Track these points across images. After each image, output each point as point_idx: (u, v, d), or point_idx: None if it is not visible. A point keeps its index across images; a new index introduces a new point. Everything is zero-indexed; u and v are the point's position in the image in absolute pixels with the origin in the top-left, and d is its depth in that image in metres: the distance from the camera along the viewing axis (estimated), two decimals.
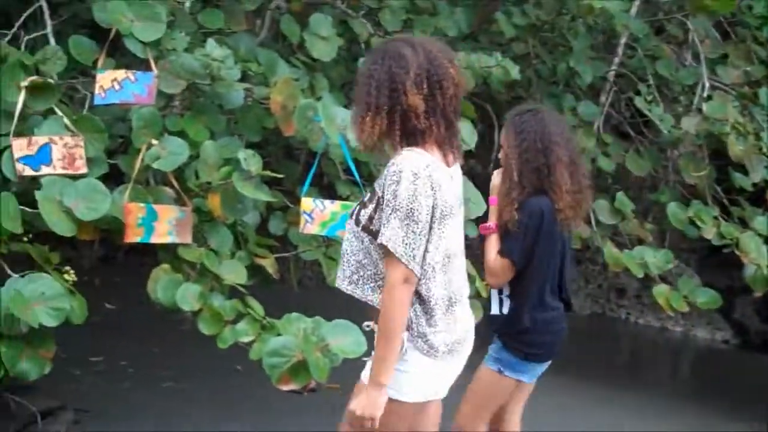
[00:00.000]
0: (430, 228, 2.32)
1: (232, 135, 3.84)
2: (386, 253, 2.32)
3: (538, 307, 3.03)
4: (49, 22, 3.92)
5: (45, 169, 3.36)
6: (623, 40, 5.64)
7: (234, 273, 3.47)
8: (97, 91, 3.55)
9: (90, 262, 5.90)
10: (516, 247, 3.00)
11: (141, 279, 3.35)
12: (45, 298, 3.06)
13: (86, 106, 3.74)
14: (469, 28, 5.04)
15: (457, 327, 2.46)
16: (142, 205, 3.40)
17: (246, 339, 3.35)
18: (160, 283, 3.39)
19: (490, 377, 3.12)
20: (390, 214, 2.29)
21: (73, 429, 3.86)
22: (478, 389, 3.15)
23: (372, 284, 2.42)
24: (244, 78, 3.72)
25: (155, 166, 3.38)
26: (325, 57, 4.06)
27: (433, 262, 2.35)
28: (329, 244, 3.86)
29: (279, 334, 3.32)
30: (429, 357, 2.39)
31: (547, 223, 2.97)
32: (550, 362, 3.18)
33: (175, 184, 3.49)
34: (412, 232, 2.27)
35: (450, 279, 2.44)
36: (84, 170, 3.39)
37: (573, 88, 5.87)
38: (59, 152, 3.39)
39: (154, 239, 3.43)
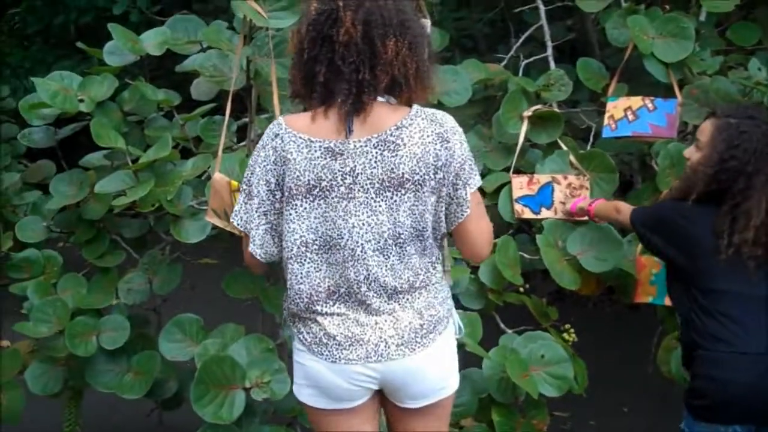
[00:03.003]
0: (284, 207, 1.94)
1: None
2: None
3: (701, 341, 2.23)
4: (549, 44, 3.57)
5: (545, 213, 2.97)
6: None
7: None
8: (606, 122, 3.08)
9: None
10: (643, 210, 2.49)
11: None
12: (545, 362, 2.64)
13: (590, 139, 3.29)
14: None
15: (315, 328, 1.97)
16: (657, 260, 2.84)
17: None
18: (675, 356, 2.79)
19: None
20: None
21: None
22: None
23: None
24: None
25: None
26: None
27: (286, 248, 1.96)
28: None
29: None
30: (303, 346, 2.01)
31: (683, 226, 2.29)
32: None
33: None
34: (249, 206, 1.97)
35: (312, 271, 1.94)
36: (585, 216, 2.93)
37: None
38: (561, 194, 2.97)
39: (669, 301, 2.84)
